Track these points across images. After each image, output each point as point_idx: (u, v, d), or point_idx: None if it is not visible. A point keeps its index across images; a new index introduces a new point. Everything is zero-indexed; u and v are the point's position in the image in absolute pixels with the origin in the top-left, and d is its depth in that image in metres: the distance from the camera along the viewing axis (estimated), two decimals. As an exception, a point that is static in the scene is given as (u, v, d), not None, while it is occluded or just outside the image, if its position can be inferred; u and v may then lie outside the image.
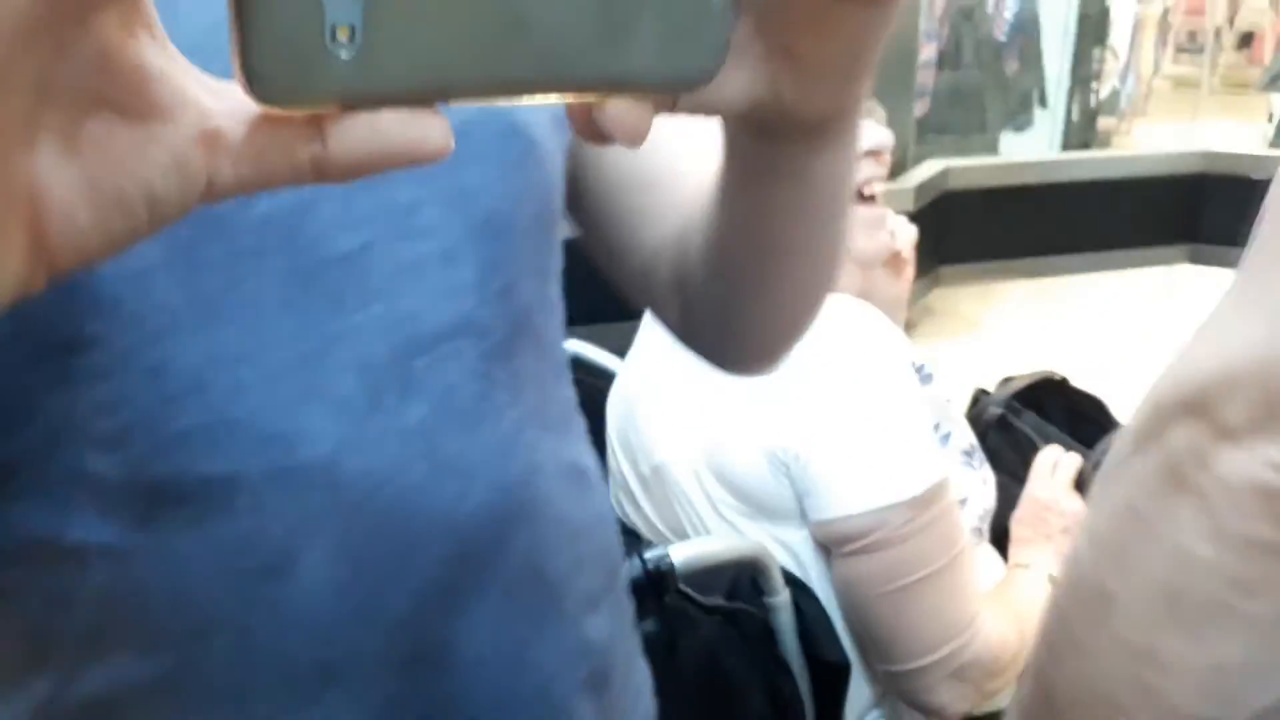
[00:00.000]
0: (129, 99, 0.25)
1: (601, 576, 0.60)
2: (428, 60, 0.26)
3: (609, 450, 1.26)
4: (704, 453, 1.11)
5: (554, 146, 0.57)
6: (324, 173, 0.26)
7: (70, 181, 0.24)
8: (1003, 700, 1.13)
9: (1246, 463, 0.39)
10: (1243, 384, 0.39)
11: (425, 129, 0.26)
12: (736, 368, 0.61)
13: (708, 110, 0.34)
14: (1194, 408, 0.40)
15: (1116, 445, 0.44)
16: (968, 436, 1.27)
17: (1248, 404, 0.39)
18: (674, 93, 0.30)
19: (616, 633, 0.61)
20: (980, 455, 1.28)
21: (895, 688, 1.12)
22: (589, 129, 0.29)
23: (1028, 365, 1.65)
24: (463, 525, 0.51)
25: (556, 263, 0.60)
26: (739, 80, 0.34)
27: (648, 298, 0.62)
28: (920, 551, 1.03)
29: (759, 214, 0.48)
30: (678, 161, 0.57)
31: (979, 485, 1.25)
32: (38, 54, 0.22)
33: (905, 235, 1.32)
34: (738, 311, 0.56)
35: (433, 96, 0.26)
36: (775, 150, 0.43)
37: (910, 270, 1.33)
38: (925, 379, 1.17)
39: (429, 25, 0.26)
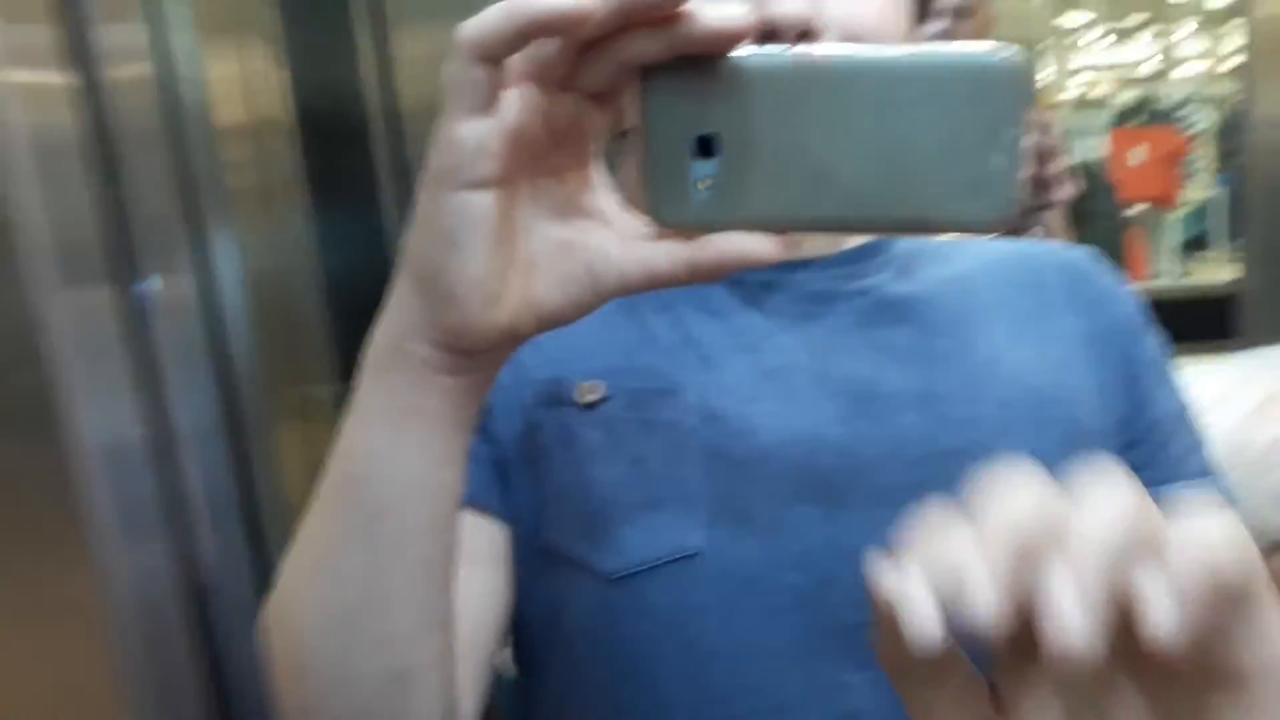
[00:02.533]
0: (583, 214, 0.41)
1: None
2: (762, 202, 0.38)
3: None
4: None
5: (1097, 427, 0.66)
6: (693, 270, 0.39)
7: (548, 256, 0.41)
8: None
9: None
10: None
11: (760, 244, 0.38)
12: None
13: None
14: None
15: None
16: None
17: None
18: (970, 234, 0.37)
19: None
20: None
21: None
22: None
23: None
24: None
25: None
26: None
27: None
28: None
29: None
30: None
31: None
32: (529, 184, 0.41)
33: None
34: None
35: (766, 227, 0.38)
36: None
37: None
38: None
39: (762, 179, 0.38)
